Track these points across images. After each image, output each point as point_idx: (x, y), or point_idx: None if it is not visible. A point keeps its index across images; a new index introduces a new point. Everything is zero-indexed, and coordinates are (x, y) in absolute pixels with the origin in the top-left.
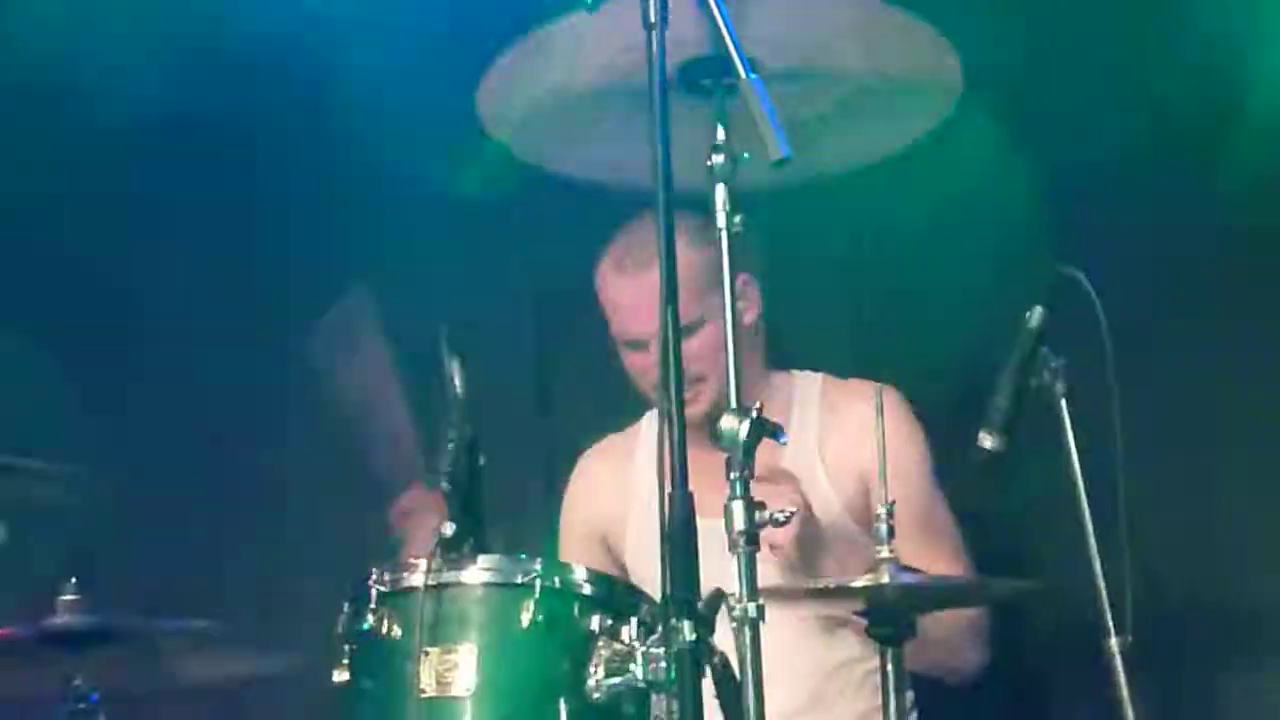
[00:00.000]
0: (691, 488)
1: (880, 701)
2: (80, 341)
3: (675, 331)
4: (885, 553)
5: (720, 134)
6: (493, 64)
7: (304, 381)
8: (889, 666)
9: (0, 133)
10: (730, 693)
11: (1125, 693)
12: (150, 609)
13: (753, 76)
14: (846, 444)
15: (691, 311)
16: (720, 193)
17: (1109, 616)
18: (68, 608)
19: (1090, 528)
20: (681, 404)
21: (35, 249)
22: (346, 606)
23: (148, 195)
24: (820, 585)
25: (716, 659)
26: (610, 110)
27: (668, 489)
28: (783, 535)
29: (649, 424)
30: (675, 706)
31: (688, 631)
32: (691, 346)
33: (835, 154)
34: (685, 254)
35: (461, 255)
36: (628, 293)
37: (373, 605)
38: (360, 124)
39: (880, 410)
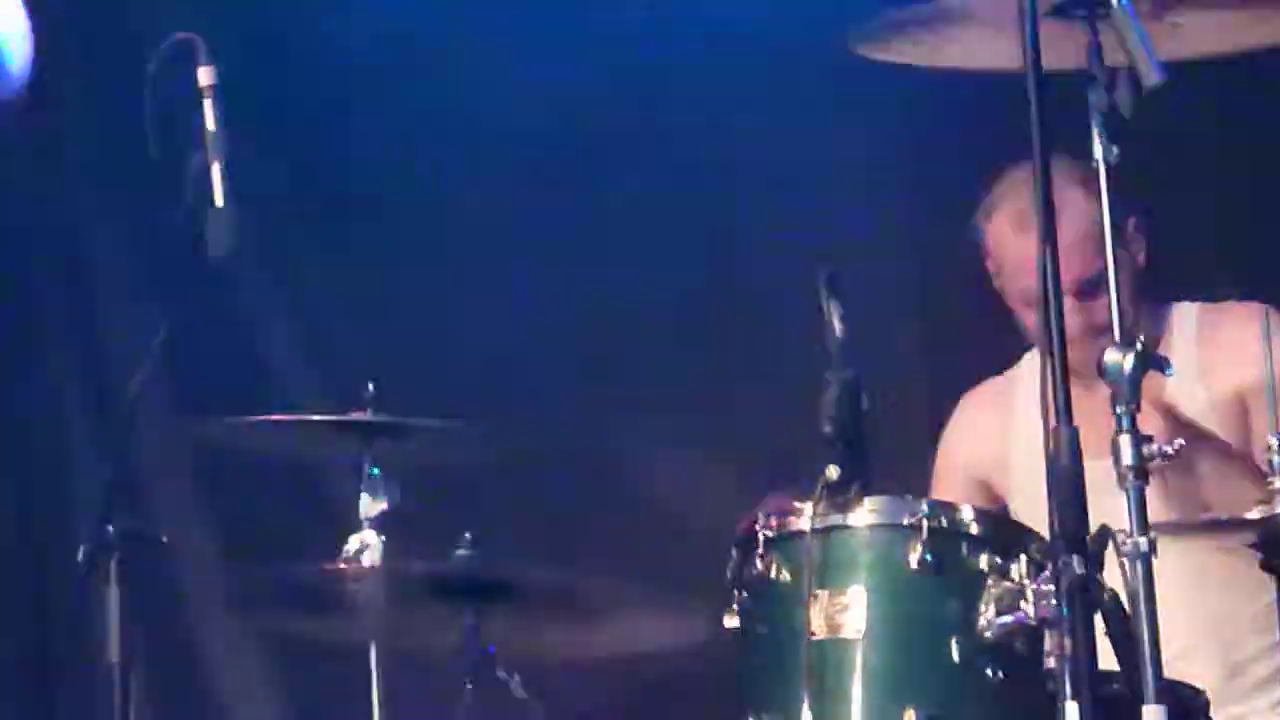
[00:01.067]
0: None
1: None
2: (468, 304)
3: (1054, 269)
4: (1279, 483)
5: (1094, 64)
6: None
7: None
8: None
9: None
10: (1122, 629)
11: None
12: (542, 563)
13: (1125, 3)
14: (1228, 370)
15: (1096, 264)
16: (1095, 125)
17: None
18: (464, 562)
19: None
20: (1064, 341)
21: (433, 230)
22: (734, 552)
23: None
24: (1213, 518)
25: (1107, 595)
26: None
27: (1052, 424)
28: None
29: (1030, 364)
30: (1068, 643)
31: (1078, 566)
32: (1099, 301)
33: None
34: (1085, 205)
35: (841, 194)
36: (1029, 251)
37: (760, 550)
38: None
39: (1268, 333)
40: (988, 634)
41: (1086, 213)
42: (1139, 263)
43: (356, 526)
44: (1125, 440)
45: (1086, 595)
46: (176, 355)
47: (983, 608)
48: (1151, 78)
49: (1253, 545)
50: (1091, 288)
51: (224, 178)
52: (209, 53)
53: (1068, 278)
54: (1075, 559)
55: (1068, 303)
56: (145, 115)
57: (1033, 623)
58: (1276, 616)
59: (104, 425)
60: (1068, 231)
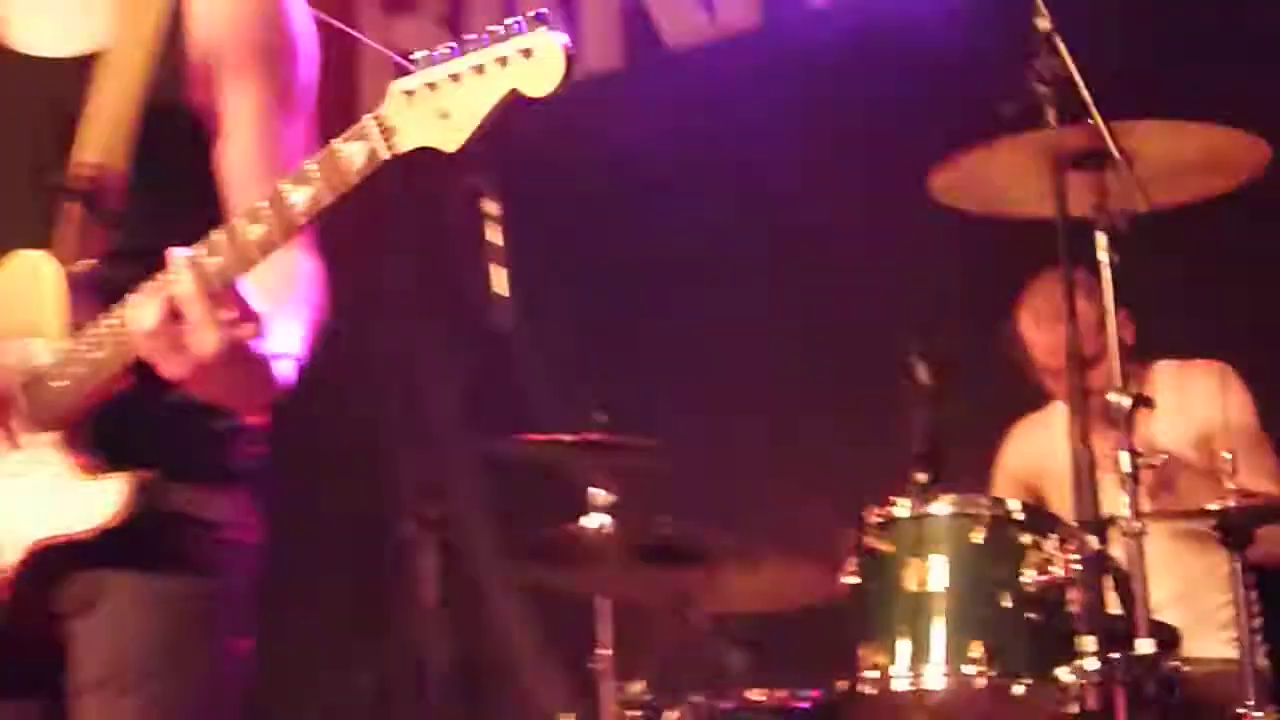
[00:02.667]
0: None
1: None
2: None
3: (1078, 349)
4: (1230, 485)
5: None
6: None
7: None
8: (1236, 565)
9: None
10: (1122, 586)
11: None
12: (721, 536)
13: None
14: (1196, 408)
15: (1091, 347)
16: (1101, 239)
17: None
18: (666, 535)
19: None
20: (1086, 394)
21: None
22: (851, 533)
23: None
24: (1185, 509)
25: (1111, 562)
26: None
27: (1076, 447)
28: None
29: (1057, 408)
30: (1085, 595)
31: (1094, 543)
32: (1094, 377)
33: None
34: (1084, 305)
35: (929, 288)
36: (1043, 339)
37: (871, 528)
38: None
39: (1223, 383)
40: (1029, 589)
41: (1084, 310)
42: (1128, 341)
43: (589, 510)
44: (1124, 455)
45: (1098, 562)
46: (471, 391)
47: (1025, 571)
48: (1146, 203)
49: (1214, 529)
50: (1088, 363)
51: (504, 275)
52: (493, 189)
53: (1061, 350)
54: (1091, 537)
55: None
56: (450, 234)
57: (1061, 581)
58: (1230, 579)
59: (423, 441)
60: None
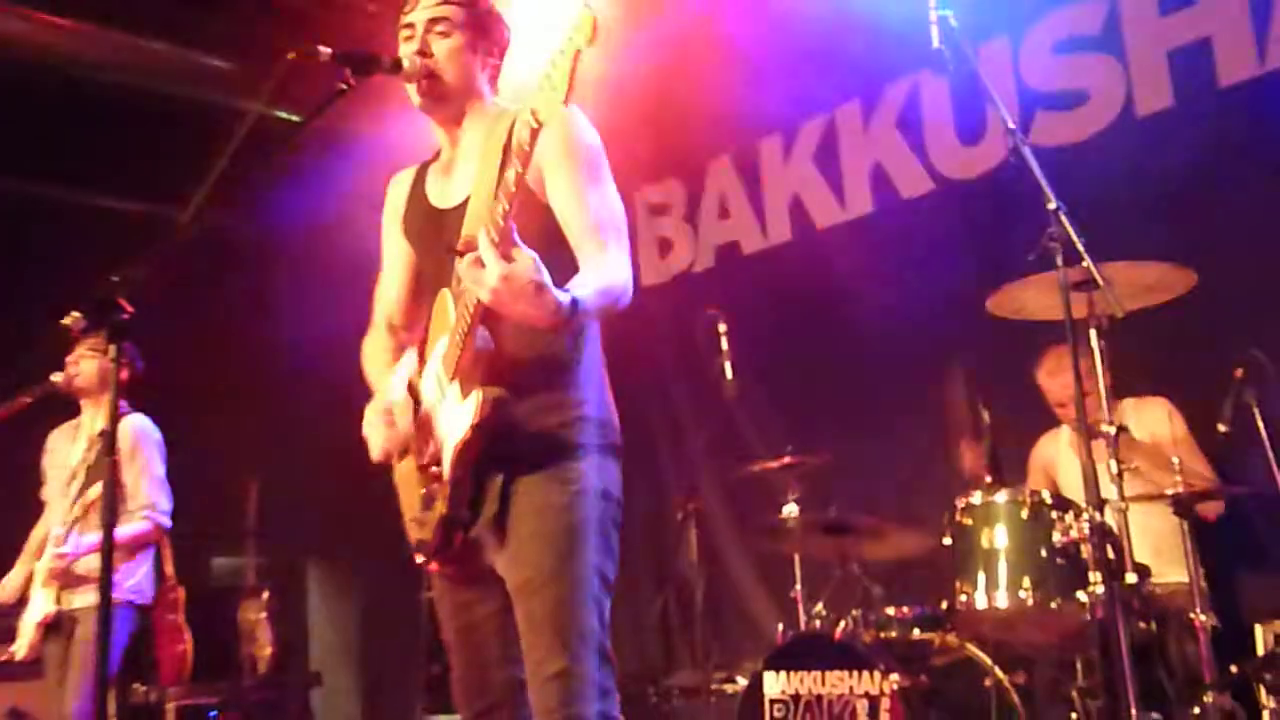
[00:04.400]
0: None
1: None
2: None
3: (1080, 393)
4: (1178, 478)
5: (1092, 308)
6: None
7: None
8: (1185, 527)
9: None
10: (1115, 541)
11: None
12: (865, 518)
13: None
14: (1150, 428)
15: (1084, 387)
16: (1093, 332)
17: None
18: (832, 515)
19: (1275, 464)
20: (1085, 421)
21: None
22: (947, 513)
23: None
24: (1151, 493)
25: (1107, 527)
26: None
27: (1084, 458)
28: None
29: (1064, 429)
30: (1093, 548)
31: (1097, 516)
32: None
33: None
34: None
35: (990, 359)
36: (1056, 384)
37: (958, 511)
38: None
39: (1168, 412)
40: (1058, 545)
41: (1085, 365)
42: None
43: (786, 503)
44: (1112, 461)
45: (1100, 528)
46: (713, 436)
47: (1055, 534)
48: (1120, 311)
49: (1170, 505)
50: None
51: (732, 369)
52: (722, 317)
53: (1068, 394)
54: (1095, 512)
55: (1072, 406)
56: (698, 344)
57: (1077, 539)
58: (1181, 534)
59: (686, 464)
60: (1072, 378)
